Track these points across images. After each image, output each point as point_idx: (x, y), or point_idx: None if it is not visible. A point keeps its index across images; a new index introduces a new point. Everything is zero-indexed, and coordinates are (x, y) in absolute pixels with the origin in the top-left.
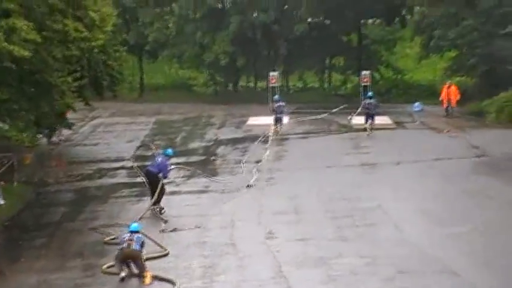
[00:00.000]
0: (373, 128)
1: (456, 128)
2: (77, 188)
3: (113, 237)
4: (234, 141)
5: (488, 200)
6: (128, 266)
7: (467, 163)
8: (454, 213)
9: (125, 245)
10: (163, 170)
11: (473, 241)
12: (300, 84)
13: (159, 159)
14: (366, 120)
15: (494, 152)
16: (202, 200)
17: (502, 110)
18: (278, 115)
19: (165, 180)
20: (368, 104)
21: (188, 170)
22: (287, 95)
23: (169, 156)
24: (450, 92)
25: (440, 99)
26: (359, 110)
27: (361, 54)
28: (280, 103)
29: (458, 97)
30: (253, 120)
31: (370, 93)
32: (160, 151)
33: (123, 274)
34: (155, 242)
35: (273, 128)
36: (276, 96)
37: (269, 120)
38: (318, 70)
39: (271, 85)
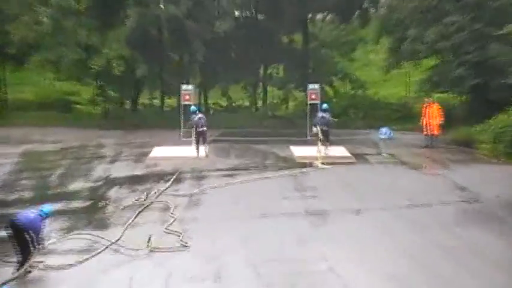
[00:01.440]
0: (326, 156)
1: (437, 163)
2: None
3: None
4: (133, 181)
5: (478, 261)
6: None
7: (451, 211)
8: (431, 279)
9: None
10: (35, 229)
11: None
12: (223, 103)
13: (32, 214)
14: (321, 142)
15: (486, 196)
16: (87, 264)
17: (499, 139)
18: (200, 129)
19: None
20: (321, 118)
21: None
22: (206, 118)
23: (45, 216)
24: (430, 113)
25: (421, 123)
26: (315, 129)
27: (307, 61)
28: (200, 115)
29: (440, 120)
30: (159, 151)
31: (324, 105)
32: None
33: None
34: None
35: (195, 148)
36: (193, 107)
37: (181, 150)
38: (248, 83)
39: (183, 103)
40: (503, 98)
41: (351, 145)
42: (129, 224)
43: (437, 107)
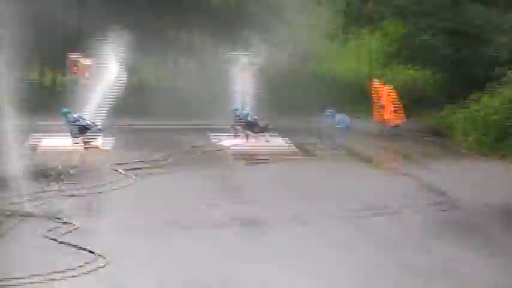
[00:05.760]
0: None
1: (404, 158)
2: None
3: None
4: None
5: (452, 285)
6: None
7: (423, 220)
8: None
9: None
10: None
11: None
12: None
13: None
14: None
15: (469, 201)
16: None
17: (475, 125)
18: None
19: None
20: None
21: None
22: None
23: None
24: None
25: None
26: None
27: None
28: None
29: (391, 105)
30: (39, 140)
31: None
32: None
33: None
34: None
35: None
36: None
37: (67, 141)
38: None
39: (73, 77)
40: (482, 75)
41: (294, 135)
42: None
43: (387, 88)
